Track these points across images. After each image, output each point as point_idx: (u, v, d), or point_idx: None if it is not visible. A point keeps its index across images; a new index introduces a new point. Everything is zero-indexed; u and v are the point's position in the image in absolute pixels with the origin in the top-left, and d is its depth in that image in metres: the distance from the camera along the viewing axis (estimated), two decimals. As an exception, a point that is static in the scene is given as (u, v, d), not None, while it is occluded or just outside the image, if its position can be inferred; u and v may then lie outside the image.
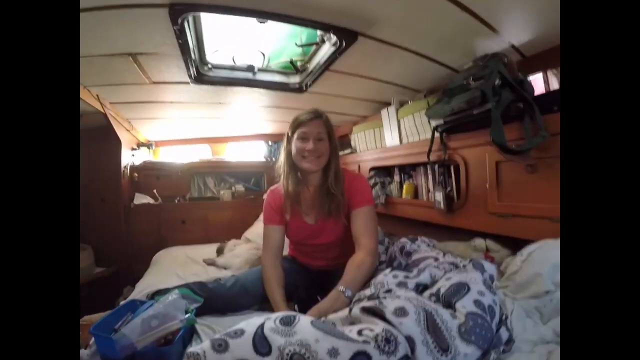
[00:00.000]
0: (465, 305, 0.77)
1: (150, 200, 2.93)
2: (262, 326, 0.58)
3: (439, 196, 1.55)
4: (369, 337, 0.58)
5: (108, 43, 1.42)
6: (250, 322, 0.60)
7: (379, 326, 0.62)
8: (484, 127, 1.25)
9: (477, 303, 0.78)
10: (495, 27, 1.24)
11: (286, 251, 1.63)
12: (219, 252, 2.31)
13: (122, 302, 1.28)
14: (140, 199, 2.89)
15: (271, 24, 1.34)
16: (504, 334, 0.79)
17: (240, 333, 0.57)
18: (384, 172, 2.20)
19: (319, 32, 1.48)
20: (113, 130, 2.40)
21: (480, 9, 1.15)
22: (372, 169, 2.24)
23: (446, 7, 1.12)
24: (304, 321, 0.62)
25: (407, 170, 1.98)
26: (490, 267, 1.10)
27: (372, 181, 2.16)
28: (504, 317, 0.85)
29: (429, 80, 1.74)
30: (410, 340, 0.61)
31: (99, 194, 2.82)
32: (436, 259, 1.26)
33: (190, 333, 1.03)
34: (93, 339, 1.02)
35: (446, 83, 1.46)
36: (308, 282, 1.43)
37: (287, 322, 0.61)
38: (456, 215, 1.52)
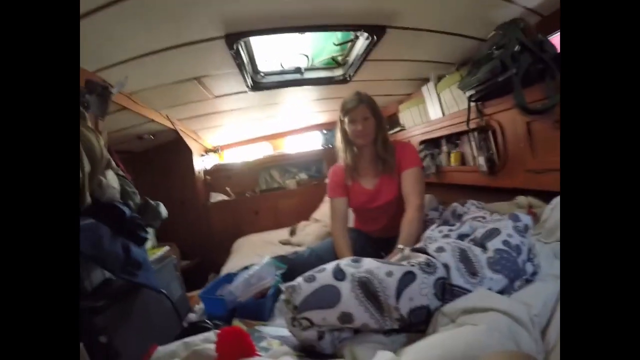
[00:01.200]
0: (494, 244, 0.92)
1: (225, 197, 3.29)
2: (338, 264, 0.82)
3: (482, 160, 1.68)
4: (414, 264, 0.81)
5: (175, 73, 1.72)
6: (330, 264, 0.84)
7: (422, 257, 0.84)
8: (511, 91, 1.32)
9: (505, 243, 0.92)
10: None
11: (351, 224, 1.87)
12: (292, 233, 2.59)
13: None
14: (216, 197, 3.26)
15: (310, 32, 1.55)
16: (529, 268, 0.92)
17: (323, 270, 0.81)
18: (432, 144, 2.33)
19: (351, 32, 1.65)
20: (184, 142, 2.75)
21: None
22: (421, 142, 2.38)
23: None
24: (369, 259, 0.85)
25: (453, 140, 2.10)
26: (525, 218, 1.15)
27: (422, 154, 2.29)
28: (532, 256, 0.96)
29: (460, 52, 1.83)
30: (446, 266, 0.81)
31: (178, 198, 3.20)
32: (484, 218, 1.34)
33: (277, 292, 1.30)
34: (198, 305, 1.32)
35: (474, 54, 1.55)
36: (373, 249, 1.62)
37: (357, 260, 0.84)
38: (498, 177, 1.65)
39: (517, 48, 1.25)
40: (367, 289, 0.75)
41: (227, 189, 3.36)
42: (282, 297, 0.81)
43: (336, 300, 0.74)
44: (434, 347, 0.60)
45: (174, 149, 2.94)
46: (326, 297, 0.74)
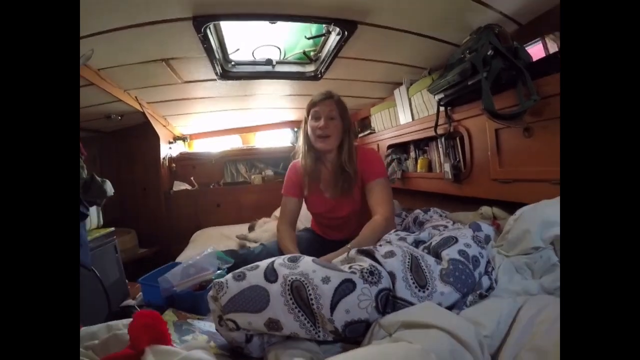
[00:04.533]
0: (449, 253, 0.86)
1: (188, 187, 3.20)
2: (272, 262, 0.74)
3: (447, 167, 1.65)
4: (356, 270, 0.73)
5: (143, 52, 1.64)
6: (265, 261, 0.76)
7: (366, 262, 0.77)
8: (481, 97, 1.27)
9: (461, 252, 0.87)
10: (484, 1, 1.28)
11: (309, 224, 1.80)
12: (251, 228, 2.53)
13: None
14: (179, 186, 3.18)
15: (282, 22, 1.49)
16: (485, 281, 0.86)
17: (255, 267, 0.73)
18: (400, 149, 2.29)
19: (324, 25, 1.59)
20: (151, 126, 2.67)
21: None
22: (389, 146, 2.34)
23: None
24: (306, 259, 0.76)
25: (422, 146, 2.07)
26: (487, 228, 1.13)
27: (389, 158, 2.26)
28: (490, 269, 0.91)
29: (434, 57, 1.80)
30: (392, 275, 0.75)
31: (141, 184, 3.16)
32: (445, 227, 1.31)
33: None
34: (140, 293, 1.26)
35: (447, 59, 1.52)
36: (323, 252, 1.57)
37: (294, 259, 0.76)
38: (463, 185, 1.61)
39: (489, 52, 1.22)
40: (300, 295, 0.67)
41: (192, 178, 3.28)
42: (210, 294, 0.73)
43: (264, 305, 0.66)
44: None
45: (142, 133, 2.86)
46: (253, 300, 0.66)
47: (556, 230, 0.94)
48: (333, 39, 1.63)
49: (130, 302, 1.27)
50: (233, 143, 3.62)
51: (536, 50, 1.37)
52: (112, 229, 1.57)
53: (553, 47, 1.34)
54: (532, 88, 1.15)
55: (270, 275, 0.70)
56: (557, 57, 1.20)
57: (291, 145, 3.43)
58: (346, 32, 1.48)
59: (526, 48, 1.30)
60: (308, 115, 1.52)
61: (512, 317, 0.71)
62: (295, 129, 3.48)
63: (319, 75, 2.04)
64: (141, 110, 2.39)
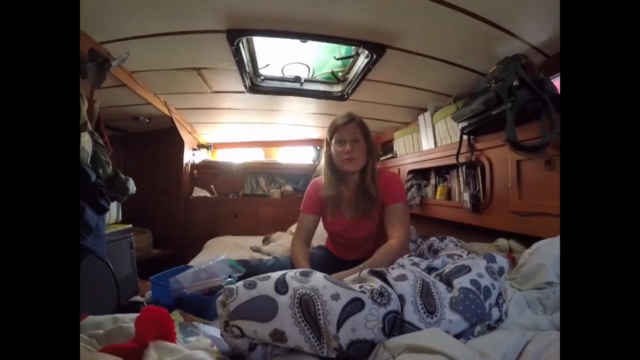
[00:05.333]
0: (461, 282, 0.85)
1: (207, 195, 3.26)
2: (284, 274, 0.74)
3: (466, 196, 1.63)
4: (366, 290, 0.73)
5: (177, 60, 1.70)
6: (276, 273, 0.76)
7: (377, 283, 0.76)
8: (504, 127, 1.27)
9: (473, 282, 0.85)
10: (512, 31, 1.29)
11: (323, 242, 1.80)
12: (265, 241, 2.54)
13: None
14: (199, 192, 3.24)
15: (312, 41, 1.54)
16: (495, 313, 0.85)
17: (267, 278, 0.73)
18: (421, 175, 2.28)
19: (353, 47, 1.62)
20: (177, 132, 2.74)
21: (494, 16, 1.22)
22: (410, 172, 2.34)
23: (459, 17, 1.21)
24: (318, 274, 0.76)
25: (442, 173, 2.06)
26: (501, 260, 1.12)
27: (409, 183, 2.26)
28: (500, 301, 0.89)
29: (460, 85, 1.81)
30: (401, 298, 0.74)
31: (162, 186, 3.22)
32: (460, 256, 1.27)
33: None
34: (149, 291, 1.28)
35: (473, 87, 1.52)
36: (335, 270, 1.55)
37: (305, 274, 0.76)
38: (482, 215, 1.59)
39: (515, 83, 1.22)
40: (308, 310, 0.67)
41: (212, 186, 3.33)
42: (219, 298, 0.73)
43: (271, 315, 0.66)
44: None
45: (167, 137, 2.92)
46: (261, 309, 0.67)
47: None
48: (361, 61, 1.67)
49: (138, 298, 1.29)
50: (255, 156, 3.67)
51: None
52: (130, 225, 1.60)
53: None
54: (556, 121, 1.13)
55: (281, 287, 0.71)
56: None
57: (313, 162, 3.48)
58: (375, 55, 1.51)
59: (552, 80, 1.28)
60: (331, 139, 1.53)
61: (519, 351, 0.69)
62: (318, 147, 3.51)
63: (346, 96, 2.07)
64: (169, 115, 2.47)
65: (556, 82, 1.32)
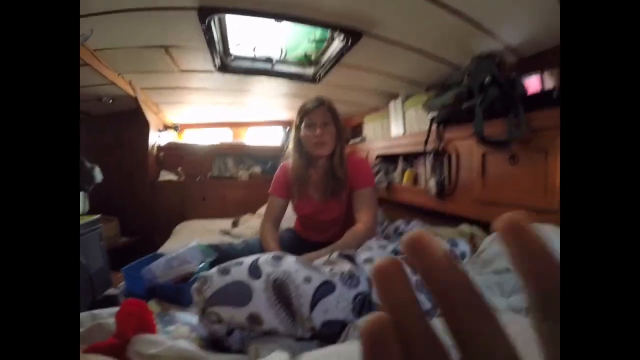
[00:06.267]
0: None
1: (174, 178, 3.16)
2: (257, 259, 0.76)
3: (432, 182, 1.69)
4: (336, 273, 0.76)
5: (144, 37, 1.62)
6: (249, 257, 0.77)
7: (347, 266, 0.80)
8: (472, 120, 1.31)
9: None
10: (490, 30, 1.32)
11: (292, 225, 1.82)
12: (234, 224, 2.52)
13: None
14: (165, 175, 3.13)
15: (287, 22, 1.50)
16: None
17: (240, 263, 0.75)
18: (389, 160, 2.32)
19: (329, 30, 1.62)
20: (142, 113, 2.63)
21: (473, 13, 1.24)
22: (378, 156, 2.38)
23: (438, 11, 1.22)
24: (290, 258, 0.79)
25: (410, 159, 2.11)
26: (463, 245, 1.20)
27: (377, 168, 2.30)
28: None
29: (433, 75, 1.83)
30: (369, 281, 0.78)
31: (127, 170, 3.07)
32: None
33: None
34: (122, 282, 1.26)
35: (446, 78, 1.56)
36: (303, 253, 1.57)
37: (277, 257, 0.78)
38: (447, 202, 1.65)
39: (487, 80, 1.26)
40: (281, 293, 0.69)
41: (179, 169, 3.23)
42: (194, 286, 0.74)
43: (246, 300, 0.68)
44: (329, 356, 0.55)
45: (131, 119, 2.78)
46: (237, 294, 0.68)
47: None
48: (336, 45, 1.66)
49: (112, 291, 1.26)
50: (224, 137, 3.59)
51: (532, 83, 1.40)
52: (98, 216, 1.53)
53: (549, 84, 1.39)
54: (523, 120, 1.19)
55: (255, 271, 0.72)
56: (551, 93, 1.24)
57: (281, 144, 3.44)
58: (350, 41, 1.51)
59: (523, 80, 1.32)
60: (300, 123, 1.53)
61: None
62: (287, 129, 3.45)
63: (318, 79, 2.06)
64: (134, 95, 2.36)
65: (527, 82, 1.35)
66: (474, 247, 1.33)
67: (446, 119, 1.55)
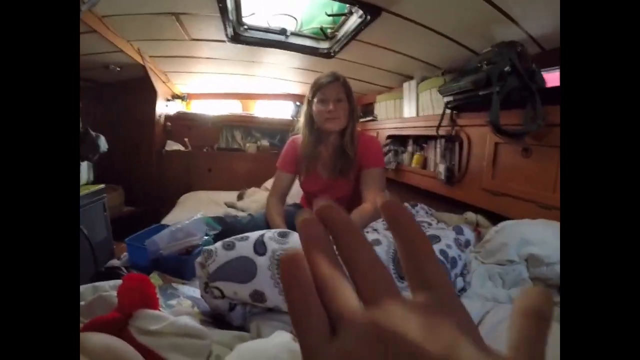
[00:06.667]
0: None
1: (181, 148, 3.14)
2: (262, 235, 0.76)
3: (442, 167, 1.68)
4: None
5: (154, 4, 1.58)
6: (255, 233, 0.77)
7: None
8: (488, 108, 1.28)
9: (442, 252, 0.89)
10: (513, 17, 1.28)
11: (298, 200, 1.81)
12: (240, 197, 2.52)
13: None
14: (172, 145, 3.11)
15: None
16: (459, 282, 0.91)
17: (245, 238, 0.74)
18: (399, 141, 2.31)
19: (347, 5, 1.56)
20: (150, 81, 2.58)
21: None
22: (389, 137, 2.35)
23: None
24: (296, 235, 0.77)
25: (420, 142, 2.09)
26: (469, 233, 1.18)
27: (387, 148, 2.28)
28: (465, 272, 0.95)
29: (450, 59, 1.79)
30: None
31: (133, 140, 3.03)
32: (429, 224, 1.36)
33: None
34: (125, 253, 1.26)
35: (464, 64, 1.51)
36: None
37: (283, 235, 0.78)
38: (454, 188, 1.65)
39: (507, 68, 1.22)
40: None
41: (186, 139, 3.21)
42: (198, 260, 0.74)
43: (251, 276, 0.68)
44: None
45: (139, 87, 2.73)
46: (241, 270, 0.68)
47: (531, 249, 0.99)
48: (354, 20, 1.61)
49: (115, 262, 1.26)
50: (232, 108, 3.53)
51: (552, 78, 1.35)
52: (103, 185, 1.52)
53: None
54: (540, 113, 1.16)
55: (260, 247, 0.72)
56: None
57: (291, 118, 3.39)
58: (369, 17, 1.46)
59: (543, 73, 1.28)
60: (313, 97, 1.49)
61: (479, 320, 0.75)
62: (298, 103, 3.41)
63: (332, 54, 2.02)
64: (142, 63, 2.31)
65: (546, 75, 1.31)
66: (479, 235, 1.34)
67: (461, 105, 1.51)
